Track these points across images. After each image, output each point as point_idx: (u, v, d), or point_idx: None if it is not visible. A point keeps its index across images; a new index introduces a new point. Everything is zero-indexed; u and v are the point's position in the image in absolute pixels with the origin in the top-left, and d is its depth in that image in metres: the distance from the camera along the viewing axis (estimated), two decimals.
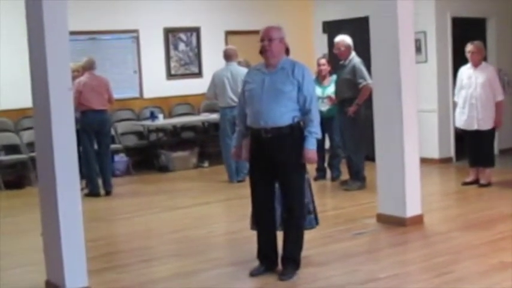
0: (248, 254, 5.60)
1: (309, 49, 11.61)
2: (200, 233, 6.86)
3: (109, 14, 10.92)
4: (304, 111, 5.09)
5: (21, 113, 9.90)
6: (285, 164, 5.10)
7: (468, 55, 8.26)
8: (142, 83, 11.42)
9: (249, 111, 5.20)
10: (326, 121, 8.27)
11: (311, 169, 6.29)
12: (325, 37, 11.44)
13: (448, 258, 5.55)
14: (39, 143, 5.13)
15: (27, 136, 9.83)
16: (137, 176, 10.62)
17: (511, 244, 5.84)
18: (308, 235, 5.48)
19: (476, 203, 7.72)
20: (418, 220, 6.63)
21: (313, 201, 5.56)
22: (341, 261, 5.62)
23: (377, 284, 5.03)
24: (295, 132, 5.09)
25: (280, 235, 5.30)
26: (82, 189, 7.93)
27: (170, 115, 11.60)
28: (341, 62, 8.55)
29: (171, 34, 11.65)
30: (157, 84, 11.49)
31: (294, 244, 5.23)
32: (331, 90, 8.90)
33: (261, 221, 5.30)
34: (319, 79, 9.10)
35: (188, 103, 11.84)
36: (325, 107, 8.80)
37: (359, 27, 9.29)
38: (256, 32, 5.22)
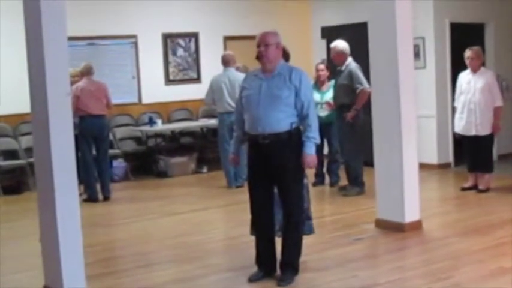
0: (247, 259, 5.59)
1: (307, 55, 11.62)
2: (199, 238, 6.85)
3: (108, 19, 10.93)
4: (302, 117, 5.08)
5: (20, 118, 9.90)
6: (283, 169, 5.09)
7: (467, 61, 8.26)
8: (140, 88, 11.42)
9: (246, 117, 5.20)
10: (324, 126, 8.27)
11: (309, 175, 6.26)
12: (323, 42, 11.44)
13: (447, 264, 5.54)
14: (38, 148, 5.13)
15: (25, 141, 9.82)
16: (135, 181, 10.60)
17: (510, 249, 5.84)
18: (306, 240, 5.48)
19: (475, 209, 7.70)
20: (416, 225, 6.63)
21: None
22: (340, 267, 5.61)
23: None
24: (294, 138, 5.08)
25: (278, 240, 5.29)
26: (80, 194, 7.90)
27: (169, 120, 11.60)
28: (338, 68, 8.55)
29: (169, 39, 11.65)
30: (155, 89, 11.49)
31: (293, 249, 5.22)
32: (329, 95, 8.90)
33: (260, 226, 5.29)
34: (318, 84, 9.10)
35: (187, 108, 11.83)
36: (323, 112, 8.80)
37: (358, 33, 9.29)
38: (255, 38, 5.21)
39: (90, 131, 8.93)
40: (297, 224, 5.22)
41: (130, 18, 11.19)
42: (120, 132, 11.13)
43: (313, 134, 5.07)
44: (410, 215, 6.61)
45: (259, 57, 5.14)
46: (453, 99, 8.80)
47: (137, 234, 7.21)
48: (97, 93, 9.02)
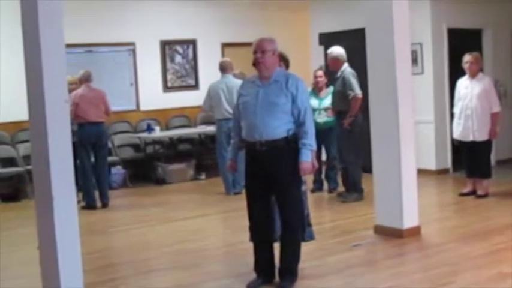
0: (245, 266, 5.58)
1: (305, 61, 11.62)
2: (197, 245, 6.84)
3: (105, 27, 10.94)
4: (299, 123, 5.07)
5: (18, 125, 9.91)
6: (280, 176, 5.08)
7: (466, 66, 8.27)
8: (139, 96, 11.43)
9: (243, 124, 5.20)
10: (322, 133, 8.27)
11: (308, 181, 6.25)
12: (321, 49, 11.43)
13: (446, 270, 5.53)
14: (36, 156, 5.12)
15: (23, 149, 9.82)
16: (134, 188, 10.59)
17: (510, 255, 5.83)
18: (305, 247, 5.47)
19: (473, 214, 7.69)
20: (415, 231, 6.62)
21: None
22: (338, 273, 5.59)
23: None
24: (291, 145, 5.07)
25: (277, 247, 5.28)
26: (78, 201, 7.92)
27: (167, 127, 11.61)
28: (335, 75, 8.55)
29: (167, 46, 11.67)
30: (154, 96, 11.51)
31: (291, 256, 5.21)
32: (328, 102, 8.90)
33: (258, 233, 5.27)
34: (316, 91, 9.11)
35: (185, 115, 11.84)
36: (321, 118, 8.80)
37: (355, 39, 9.31)
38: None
39: (89, 138, 8.93)
40: (295, 231, 5.20)
41: (128, 25, 11.21)
42: (118, 139, 11.13)
43: (309, 141, 5.06)
44: (409, 221, 6.60)
45: (255, 63, 5.14)
46: (451, 105, 8.81)
47: (135, 241, 7.19)
48: (96, 101, 9.03)
